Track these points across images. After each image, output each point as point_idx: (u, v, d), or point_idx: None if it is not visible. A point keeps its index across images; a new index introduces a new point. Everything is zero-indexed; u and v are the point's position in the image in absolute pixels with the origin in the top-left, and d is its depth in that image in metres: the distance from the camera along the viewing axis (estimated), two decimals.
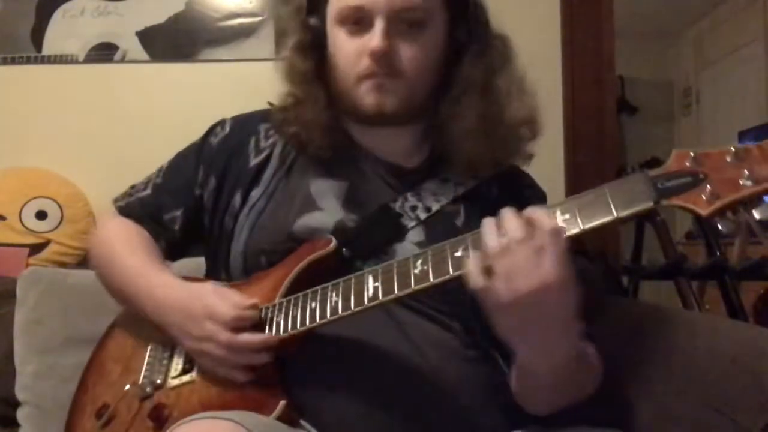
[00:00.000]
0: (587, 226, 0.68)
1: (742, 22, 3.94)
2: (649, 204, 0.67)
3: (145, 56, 1.76)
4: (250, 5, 1.77)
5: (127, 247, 0.97)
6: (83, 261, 1.68)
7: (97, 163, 1.73)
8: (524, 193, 0.99)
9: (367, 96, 0.91)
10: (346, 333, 0.82)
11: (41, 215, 1.62)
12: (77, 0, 1.76)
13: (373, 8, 0.89)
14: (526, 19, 1.75)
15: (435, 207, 0.92)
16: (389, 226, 0.89)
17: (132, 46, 1.76)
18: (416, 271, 0.73)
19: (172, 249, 1.02)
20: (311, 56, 0.95)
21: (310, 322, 0.78)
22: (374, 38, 0.88)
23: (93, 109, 1.75)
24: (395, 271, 0.74)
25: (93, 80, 1.76)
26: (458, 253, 0.72)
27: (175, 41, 1.76)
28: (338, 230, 0.89)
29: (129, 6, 1.76)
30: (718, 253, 1.87)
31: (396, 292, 0.73)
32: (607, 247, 1.72)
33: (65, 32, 1.75)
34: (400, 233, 0.89)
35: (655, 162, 2.27)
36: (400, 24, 0.89)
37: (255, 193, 0.95)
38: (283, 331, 0.79)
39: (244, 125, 1.02)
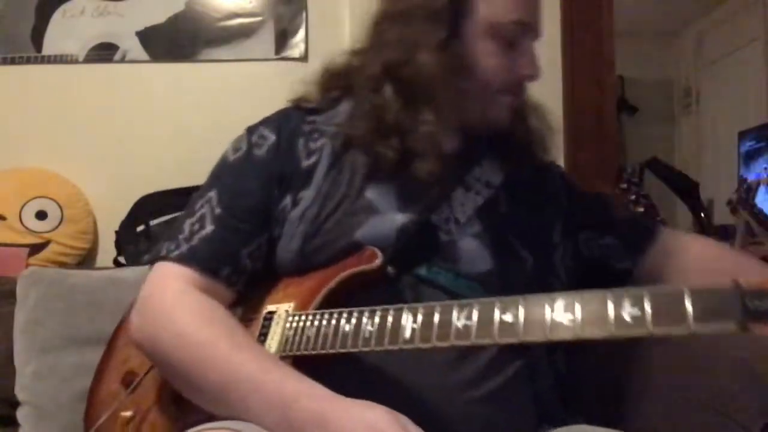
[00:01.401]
0: (656, 332, 0.58)
1: (742, 22, 3.94)
2: (731, 326, 0.56)
3: (145, 56, 1.76)
4: (250, 5, 1.77)
5: (223, 338, 0.76)
6: (83, 261, 1.69)
7: (97, 163, 1.74)
8: (552, 169, 1.03)
9: (500, 112, 0.91)
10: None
11: (41, 215, 1.62)
12: (77, 0, 1.76)
13: (536, 28, 0.90)
14: None
15: (463, 218, 0.89)
16: (428, 240, 0.87)
17: (132, 46, 1.76)
18: (458, 325, 0.68)
19: (247, 285, 0.88)
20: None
21: (341, 347, 0.75)
22: (532, 64, 0.89)
23: (93, 109, 1.75)
24: (436, 318, 0.70)
25: (93, 80, 1.76)
26: (507, 318, 0.66)
27: (175, 41, 1.77)
28: (400, 234, 0.85)
29: (129, 6, 1.76)
30: None
31: (434, 341, 0.69)
32: None
33: (65, 32, 1.76)
34: (437, 248, 0.86)
35: (655, 162, 2.26)
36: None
37: (306, 195, 0.88)
38: (312, 348, 0.77)
39: (285, 127, 0.93)
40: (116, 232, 1.61)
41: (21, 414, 1.19)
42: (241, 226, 0.86)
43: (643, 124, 4.39)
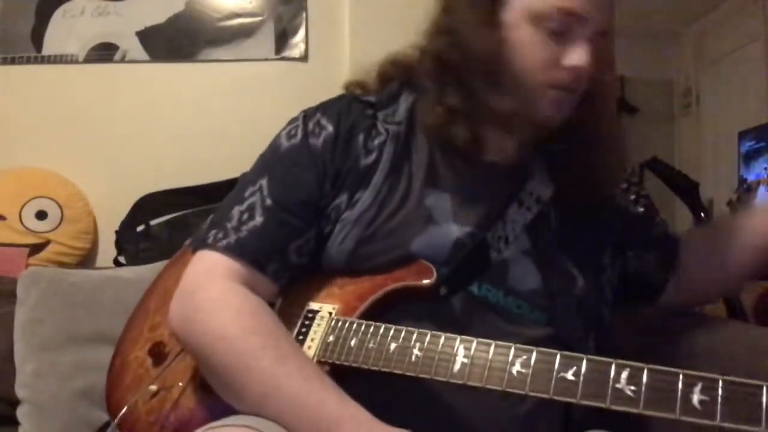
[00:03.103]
0: (724, 425, 0.56)
1: (742, 22, 3.94)
2: None
3: (145, 56, 1.76)
4: (250, 5, 1.77)
5: (268, 348, 0.73)
6: (83, 261, 1.69)
7: (97, 163, 1.74)
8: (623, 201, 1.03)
9: (548, 107, 0.83)
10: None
11: (41, 215, 1.62)
12: (77, 0, 1.76)
13: (589, 18, 0.80)
14: None
15: (512, 236, 0.86)
16: (480, 258, 0.83)
17: (132, 46, 1.76)
18: (513, 372, 0.66)
19: (292, 279, 0.85)
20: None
21: (383, 366, 0.72)
22: (582, 55, 0.80)
23: (93, 109, 1.75)
24: (490, 358, 0.68)
25: (93, 80, 1.76)
26: (568, 376, 0.63)
27: (175, 41, 1.77)
28: (455, 251, 0.82)
29: (129, 6, 1.77)
30: None
31: (483, 383, 0.67)
32: None
33: (65, 32, 1.76)
34: (487, 266, 0.83)
35: (655, 162, 2.25)
36: (596, 34, 0.82)
37: (363, 197, 0.84)
38: (353, 360, 0.75)
39: (344, 119, 0.88)
40: (116, 232, 1.62)
41: (21, 412, 1.19)
42: (292, 220, 0.82)
43: (643, 124, 4.39)
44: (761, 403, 0.55)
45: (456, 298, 0.81)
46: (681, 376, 0.59)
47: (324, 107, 0.90)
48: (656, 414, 0.59)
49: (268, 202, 0.83)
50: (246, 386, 0.72)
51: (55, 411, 1.15)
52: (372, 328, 0.75)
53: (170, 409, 0.81)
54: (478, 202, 0.86)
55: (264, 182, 0.84)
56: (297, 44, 1.78)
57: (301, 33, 1.79)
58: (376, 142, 0.87)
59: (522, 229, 0.86)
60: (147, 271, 1.17)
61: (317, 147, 0.86)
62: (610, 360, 0.62)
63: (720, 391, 0.57)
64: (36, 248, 1.60)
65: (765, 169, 3.38)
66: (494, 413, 0.78)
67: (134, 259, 1.54)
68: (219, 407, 0.74)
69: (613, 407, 0.61)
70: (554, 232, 0.89)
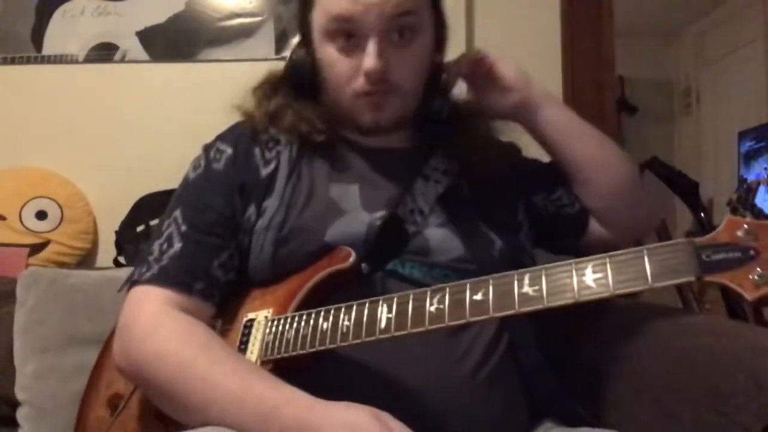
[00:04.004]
0: (618, 292, 0.63)
1: (742, 22, 3.94)
2: (691, 278, 0.61)
3: (145, 56, 1.76)
4: (250, 5, 1.77)
5: (201, 355, 0.75)
6: (83, 261, 1.69)
7: (97, 163, 1.74)
8: (510, 151, 1.05)
9: (364, 113, 0.90)
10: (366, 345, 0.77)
11: (41, 215, 1.62)
12: (77, 0, 1.76)
13: (364, 20, 0.84)
14: (527, 19, 1.75)
15: (426, 208, 0.91)
16: (397, 234, 0.87)
17: (132, 46, 1.76)
18: (432, 309, 0.70)
19: (225, 296, 0.88)
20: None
21: (320, 344, 0.75)
22: (369, 58, 0.85)
23: (93, 109, 1.75)
24: (410, 306, 0.72)
25: (93, 80, 1.76)
26: (478, 297, 0.68)
27: (175, 41, 1.76)
28: (369, 231, 0.86)
29: (129, 6, 1.76)
30: None
31: (408, 328, 0.71)
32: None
33: (65, 32, 1.75)
34: (405, 240, 0.87)
35: (655, 162, 2.26)
36: (393, 34, 0.86)
37: (270, 204, 0.89)
38: (292, 350, 0.77)
39: (240, 139, 0.95)
40: (116, 232, 1.62)
41: (21, 414, 1.19)
42: (209, 239, 0.87)
43: (643, 124, 4.39)
44: (644, 264, 0.62)
45: (381, 278, 0.85)
46: (573, 265, 0.65)
47: (221, 135, 0.97)
48: (558, 304, 0.64)
49: (184, 228, 0.87)
50: (188, 397, 0.73)
51: (55, 413, 1.15)
52: (305, 317, 0.78)
53: None
54: (384, 186, 0.92)
55: (178, 212, 0.89)
56: None
57: None
58: (274, 152, 0.93)
59: (435, 201, 0.91)
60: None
61: (220, 170, 0.92)
62: (512, 272, 0.67)
63: (608, 266, 0.63)
64: (36, 248, 1.60)
65: (765, 169, 3.38)
66: (452, 382, 0.81)
67: (134, 259, 1.54)
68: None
69: (522, 310, 0.66)
70: (468, 200, 0.94)
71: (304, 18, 0.93)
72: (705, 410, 0.80)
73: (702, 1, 4.07)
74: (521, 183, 1.02)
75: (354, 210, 0.88)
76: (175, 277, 0.83)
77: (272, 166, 0.92)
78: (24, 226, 1.60)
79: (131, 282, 0.86)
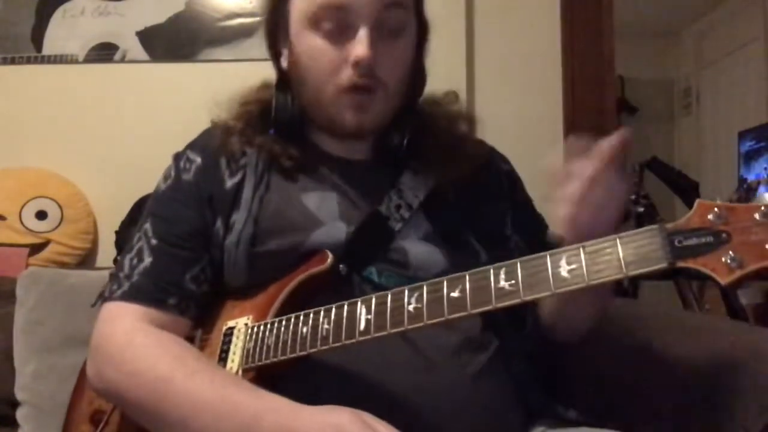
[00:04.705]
0: (593, 282, 0.61)
1: (742, 22, 3.94)
2: (663, 265, 0.59)
3: (145, 56, 1.76)
4: (250, 5, 1.77)
5: (176, 370, 0.73)
6: (83, 261, 1.69)
7: (97, 163, 1.74)
8: (502, 168, 0.99)
9: (346, 112, 0.85)
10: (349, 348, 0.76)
11: (41, 215, 1.62)
12: (77, 0, 1.76)
13: (356, 8, 0.81)
14: (526, 19, 1.75)
15: (415, 203, 0.88)
16: (379, 232, 0.85)
17: (132, 46, 1.76)
18: (410, 308, 0.68)
19: (202, 308, 0.86)
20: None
21: (300, 350, 0.74)
22: (360, 46, 0.81)
23: (93, 109, 1.75)
24: (389, 306, 0.70)
25: (93, 80, 1.76)
26: (455, 294, 0.67)
27: (175, 41, 1.76)
28: (349, 238, 0.84)
29: (129, 6, 1.76)
30: None
31: (388, 328, 0.69)
32: None
33: (65, 32, 1.76)
34: (390, 237, 0.85)
35: (655, 162, 2.26)
36: (382, 28, 0.84)
37: (237, 218, 0.85)
38: (273, 356, 0.76)
39: (209, 147, 0.91)
40: (116, 232, 1.62)
41: (20, 414, 1.19)
42: (180, 252, 0.84)
43: (643, 124, 4.39)
44: (618, 253, 0.61)
45: (360, 287, 0.82)
46: (548, 256, 0.64)
47: (191, 143, 0.94)
48: (536, 296, 0.63)
49: (154, 241, 0.85)
50: (165, 412, 0.72)
51: (54, 413, 1.15)
52: (284, 322, 0.77)
53: None
54: (361, 197, 0.88)
55: (148, 225, 0.87)
56: None
57: None
58: (241, 162, 0.89)
59: (419, 209, 0.88)
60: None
61: (190, 181, 0.89)
62: (488, 266, 0.66)
63: (582, 256, 0.62)
64: (36, 248, 1.60)
65: (765, 169, 3.38)
66: (436, 384, 0.79)
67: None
68: None
69: (499, 305, 0.64)
70: (454, 208, 0.90)
71: (278, 8, 0.89)
72: (705, 410, 0.80)
73: (702, 1, 4.06)
74: (518, 206, 0.98)
75: (331, 221, 0.85)
76: (148, 293, 0.82)
77: (238, 177, 0.89)
78: (24, 226, 1.60)
79: (103, 299, 0.84)
